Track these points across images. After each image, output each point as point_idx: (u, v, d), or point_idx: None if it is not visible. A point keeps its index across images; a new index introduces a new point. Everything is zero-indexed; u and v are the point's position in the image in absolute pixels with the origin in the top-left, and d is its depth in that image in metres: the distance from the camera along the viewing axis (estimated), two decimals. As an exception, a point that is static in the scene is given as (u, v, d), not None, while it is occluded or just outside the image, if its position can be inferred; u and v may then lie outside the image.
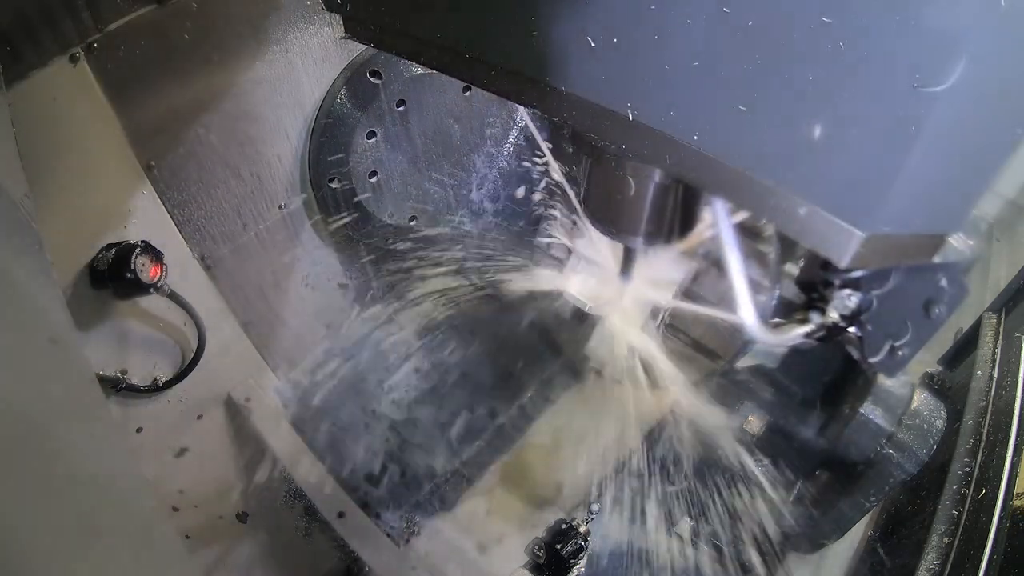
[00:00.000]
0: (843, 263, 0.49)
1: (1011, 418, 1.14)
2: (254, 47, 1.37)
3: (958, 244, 0.92)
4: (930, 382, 1.45)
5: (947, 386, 1.42)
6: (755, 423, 1.79)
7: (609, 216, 0.91)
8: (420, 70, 1.57)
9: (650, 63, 0.53)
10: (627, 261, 1.11)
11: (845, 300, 0.92)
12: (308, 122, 1.55)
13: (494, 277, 1.94)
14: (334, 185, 1.62)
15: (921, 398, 1.19)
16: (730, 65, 0.49)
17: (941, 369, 1.50)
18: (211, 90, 1.34)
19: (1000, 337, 1.34)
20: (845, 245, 0.49)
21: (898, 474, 1.17)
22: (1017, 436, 1.12)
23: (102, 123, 1.21)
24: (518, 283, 1.87)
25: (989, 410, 1.21)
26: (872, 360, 1.00)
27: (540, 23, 0.58)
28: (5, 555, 0.48)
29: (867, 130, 0.45)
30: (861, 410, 1.19)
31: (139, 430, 1.53)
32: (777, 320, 0.99)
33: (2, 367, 0.57)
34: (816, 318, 0.95)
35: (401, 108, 1.58)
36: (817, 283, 0.93)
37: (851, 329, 0.95)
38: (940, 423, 1.17)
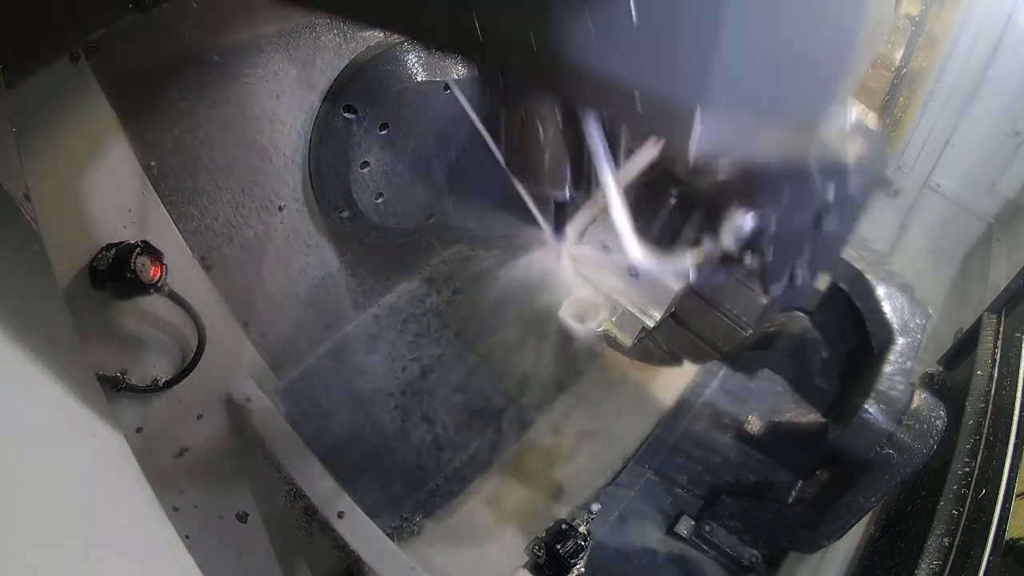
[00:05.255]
0: (693, 149, 0.47)
1: (1011, 418, 1.14)
2: (255, 49, 1.36)
3: (856, 148, 0.84)
4: (930, 382, 1.45)
5: (947, 386, 1.42)
6: (755, 423, 1.79)
7: (527, 165, 0.90)
8: (396, 88, 1.55)
9: None
10: (559, 218, 1.06)
11: (740, 224, 0.87)
12: (309, 123, 1.55)
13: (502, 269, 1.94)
14: (344, 215, 1.62)
15: (921, 398, 1.19)
16: None
17: (941, 369, 1.50)
18: (212, 91, 1.34)
19: (1000, 337, 1.34)
20: (687, 126, 0.46)
21: (898, 474, 1.17)
22: (1017, 436, 1.12)
23: (102, 123, 1.20)
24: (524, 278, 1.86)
25: (989, 410, 1.21)
26: (774, 289, 0.94)
27: None
28: (5, 556, 0.48)
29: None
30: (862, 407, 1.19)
31: (139, 430, 1.52)
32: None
33: (2, 367, 0.57)
34: (708, 245, 0.91)
35: (385, 131, 1.57)
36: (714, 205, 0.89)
37: (748, 259, 0.90)
38: (940, 423, 1.17)
